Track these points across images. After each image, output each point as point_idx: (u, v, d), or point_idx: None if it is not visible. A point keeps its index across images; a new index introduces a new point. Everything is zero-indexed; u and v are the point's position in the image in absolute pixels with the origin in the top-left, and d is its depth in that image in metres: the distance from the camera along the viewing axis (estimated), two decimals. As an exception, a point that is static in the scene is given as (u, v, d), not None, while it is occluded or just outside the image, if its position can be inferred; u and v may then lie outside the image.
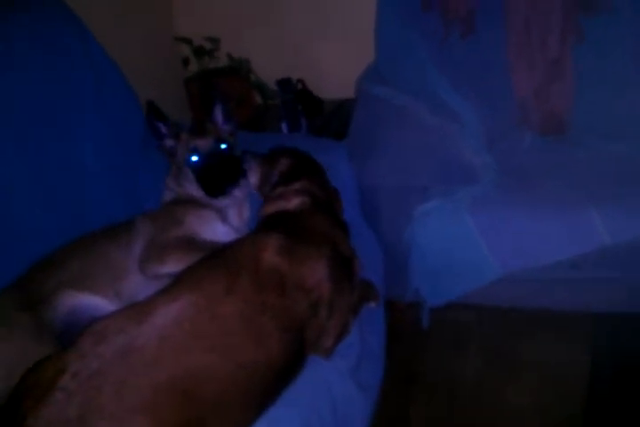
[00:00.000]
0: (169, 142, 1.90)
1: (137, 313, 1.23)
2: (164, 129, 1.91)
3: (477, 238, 2.16)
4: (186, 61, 3.28)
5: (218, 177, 1.81)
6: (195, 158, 1.83)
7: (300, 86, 3.11)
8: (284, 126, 2.93)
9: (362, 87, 2.74)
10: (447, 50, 2.67)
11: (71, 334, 1.35)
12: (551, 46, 2.60)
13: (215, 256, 1.45)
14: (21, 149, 1.73)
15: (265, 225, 1.66)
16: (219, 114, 1.95)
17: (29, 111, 1.78)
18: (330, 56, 3.23)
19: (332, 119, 3.05)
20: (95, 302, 1.57)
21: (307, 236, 1.52)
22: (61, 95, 1.90)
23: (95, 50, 2.04)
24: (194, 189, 1.85)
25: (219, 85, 3.00)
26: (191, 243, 1.70)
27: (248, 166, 1.86)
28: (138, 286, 1.63)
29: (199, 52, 3.16)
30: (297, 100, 2.97)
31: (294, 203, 1.68)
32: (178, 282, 1.35)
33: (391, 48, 2.72)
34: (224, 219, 1.83)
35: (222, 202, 1.85)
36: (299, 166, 1.82)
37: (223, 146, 1.85)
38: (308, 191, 1.71)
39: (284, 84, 2.98)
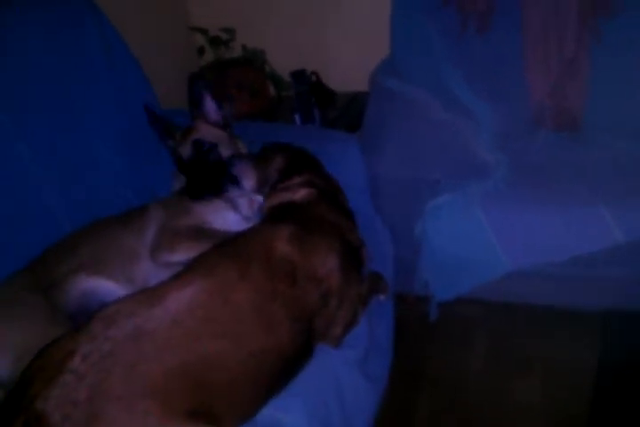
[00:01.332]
0: (169, 143, 1.90)
1: (148, 297, 1.23)
2: (162, 130, 1.92)
3: (489, 234, 2.15)
4: (201, 51, 3.27)
5: (197, 184, 1.77)
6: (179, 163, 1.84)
7: (314, 78, 3.11)
8: (297, 118, 2.92)
9: (376, 80, 2.73)
10: (463, 45, 2.66)
11: (83, 317, 1.36)
12: (567, 47, 2.58)
13: (227, 245, 1.45)
14: (35, 138, 1.75)
15: (271, 217, 1.64)
16: (209, 105, 1.89)
17: (44, 99, 1.80)
18: (345, 49, 3.22)
19: (346, 112, 3.05)
20: (107, 287, 1.58)
21: (316, 226, 1.52)
22: (76, 81, 1.92)
23: (110, 33, 2.05)
24: None
25: (233, 76, 3.02)
26: (201, 232, 1.71)
27: (239, 171, 1.77)
28: (149, 271, 1.64)
29: (215, 41, 3.15)
30: (311, 92, 2.97)
31: (301, 194, 1.66)
32: (190, 268, 1.35)
33: (406, 42, 2.70)
34: (235, 208, 1.83)
35: (231, 192, 1.85)
36: (296, 161, 1.79)
37: (205, 147, 1.81)
38: (313, 183, 1.70)
39: (299, 75, 2.97)
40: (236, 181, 1.78)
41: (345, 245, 1.52)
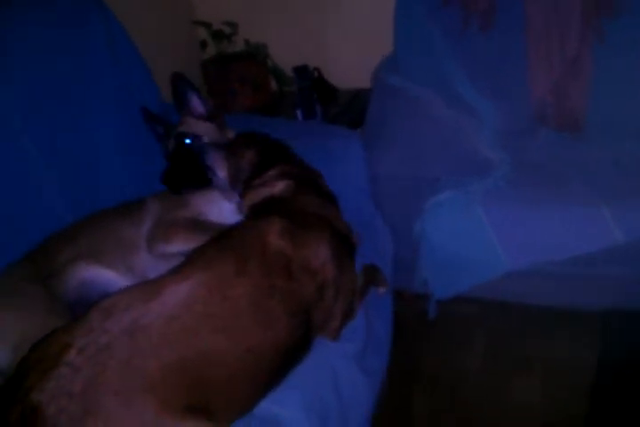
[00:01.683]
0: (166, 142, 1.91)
1: (146, 291, 1.21)
2: (160, 131, 1.93)
3: (489, 232, 2.14)
4: (203, 44, 3.27)
5: (175, 175, 1.78)
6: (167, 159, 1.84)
7: (316, 74, 3.10)
8: (299, 113, 2.92)
9: (379, 77, 2.73)
10: (466, 43, 2.65)
11: (82, 307, 1.36)
12: (570, 46, 2.58)
13: (223, 238, 1.44)
14: (37, 137, 1.75)
15: (255, 214, 1.61)
16: (195, 102, 1.89)
17: (46, 99, 1.79)
18: (347, 45, 3.22)
19: (348, 109, 3.04)
20: (106, 276, 1.59)
21: (302, 218, 1.50)
22: (81, 80, 1.92)
23: (116, 29, 2.04)
24: None
25: (236, 70, 3.02)
26: (197, 223, 1.71)
27: (212, 160, 1.74)
28: (148, 262, 1.64)
29: (218, 35, 3.15)
30: (313, 88, 2.96)
31: (279, 187, 1.63)
32: (188, 262, 1.34)
33: (409, 42, 2.70)
34: (230, 198, 1.80)
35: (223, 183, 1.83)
36: (267, 153, 1.75)
37: (187, 140, 1.81)
38: (289, 174, 1.67)
39: (301, 71, 2.96)
40: (210, 169, 1.76)
41: (334, 234, 1.50)
